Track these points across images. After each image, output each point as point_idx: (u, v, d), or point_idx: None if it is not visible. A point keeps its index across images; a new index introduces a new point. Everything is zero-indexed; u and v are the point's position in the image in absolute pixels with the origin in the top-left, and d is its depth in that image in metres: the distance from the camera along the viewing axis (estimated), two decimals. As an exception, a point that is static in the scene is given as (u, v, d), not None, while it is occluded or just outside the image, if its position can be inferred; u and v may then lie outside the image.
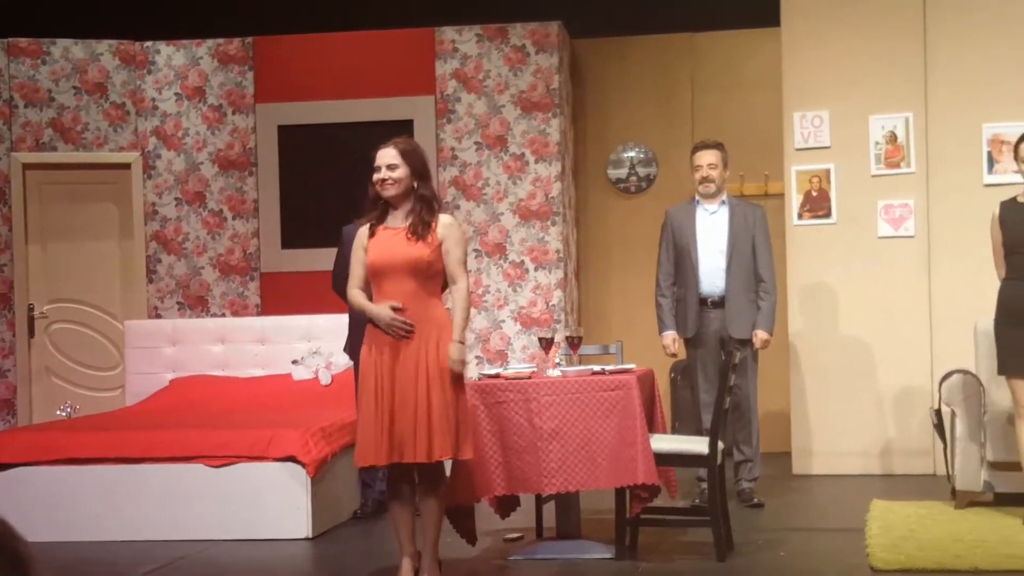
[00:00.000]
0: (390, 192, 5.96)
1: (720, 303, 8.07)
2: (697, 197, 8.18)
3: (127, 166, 10.54)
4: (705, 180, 8.09)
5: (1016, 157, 7.19)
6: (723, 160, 8.15)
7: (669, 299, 8.18)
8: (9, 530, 2.15)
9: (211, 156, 10.54)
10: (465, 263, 6.09)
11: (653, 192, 10.79)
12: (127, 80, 10.53)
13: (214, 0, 10.82)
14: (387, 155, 5.99)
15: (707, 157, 8.10)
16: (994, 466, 7.67)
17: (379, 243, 5.95)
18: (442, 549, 6.81)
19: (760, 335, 8.07)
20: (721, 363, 6.95)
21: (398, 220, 5.98)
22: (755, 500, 8.09)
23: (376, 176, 5.98)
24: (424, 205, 5.98)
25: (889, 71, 9.24)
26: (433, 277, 5.99)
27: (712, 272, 8.08)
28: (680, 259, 8.14)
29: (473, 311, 10.23)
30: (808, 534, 7.27)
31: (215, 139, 10.54)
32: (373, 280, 5.99)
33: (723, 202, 8.16)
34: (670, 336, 8.17)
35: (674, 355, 8.28)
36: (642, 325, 10.55)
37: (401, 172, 5.96)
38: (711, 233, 8.10)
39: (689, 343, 8.19)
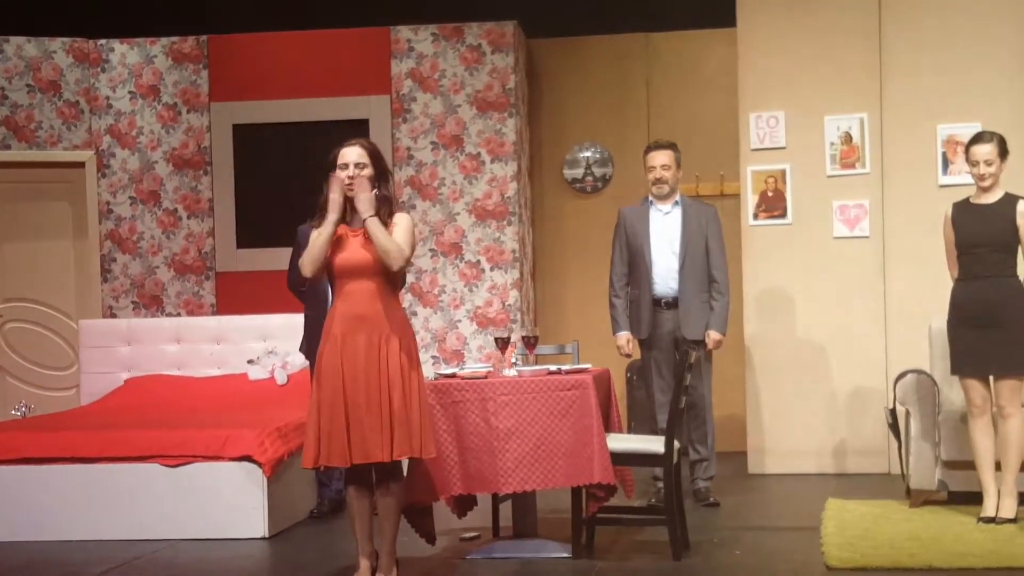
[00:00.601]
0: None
1: (674, 304, 8.05)
2: (651, 198, 8.16)
3: (81, 165, 10.47)
4: (658, 181, 8.06)
5: (967, 159, 7.25)
6: (676, 160, 8.12)
7: (623, 299, 8.17)
8: None
9: (166, 155, 10.48)
10: (410, 245, 5.96)
11: (609, 192, 10.81)
12: (81, 78, 10.46)
13: (168, -2, 10.78)
14: (353, 153, 5.97)
15: (660, 158, 8.06)
16: (948, 465, 7.72)
17: (341, 244, 5.92)
18: (400, 548, 6.80)
19: (712, 335, 8.05)
20: (675, 363, 6.96)
21: (358, 221, 5.95)
22: (711, 499, 8.10)
23: (342, 174, 5.93)
24: (386, 207, 5.96)
25: (844, 72, 9.30)
26: (393, 277, 5.98)
27: (666, 273, 8.05)
28: (634, 260, 8.11)
29: (429, 311, 10.23)
30: (763, 533, 7.30)
31: (170, 138, 10.48)
32: (337, 280, 5.97)
33: (676, 202, 8.13)
34: (624, 336, 8.16)
35: (628, 355, 8.28)
36: (598, 325, 10.56)
37: (369, 171, 5.94)
38: (664, 234, 8.08)
39: (643, 344, 8.18)
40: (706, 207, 8.30)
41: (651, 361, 8.14)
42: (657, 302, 8.07)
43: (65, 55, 10.44)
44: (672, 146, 8.16)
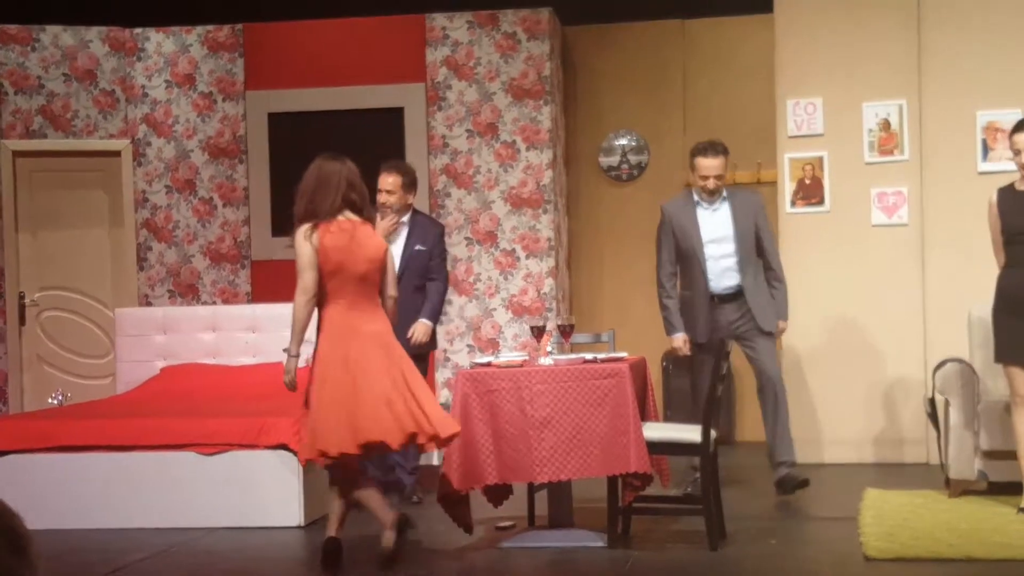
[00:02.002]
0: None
1: (729, 298, 7.88)
2: (696, 196, 7.97)
3: (117, 153, 10.50)
4: (709, 191, 7.86)
5: (1011, 146, 7.17)
6: (726, 164, 7.96)
7: (675, 300, 7.97)
8: (7, 509, 2.13)
9: (201, 144, 10.49)
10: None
11: (645, 180, 10.77)
12: (117, 67, 10.48)
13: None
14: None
15: (712, 166, 7.83)
16: (988, 455, 7.65)
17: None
18: (436, 537, 6.82)
19: (780, 324, 8.01)
20: (715, 352, 6.90)
21: None
22: (799, 479, 7.86)
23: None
24: None
25: (882, 58, 9.22)
26: None
27: (720, 271, 7.87)
28: (686, 260, 7.92)
29: (464, 299, 10.21)
30: (801, 523, 7.26)
31: (205, 126, 10.49)
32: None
33: (723, 197, 7.94)
34: (680, 338, 7.93)
35: (687, 356, 8.08)
36: (634, 313, 10.56)
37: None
38: (715, 231, 7.89)
39: (698, 347, 7.92)
40: (752, 195, 8.17)
41: (706, 364, 7.67)
42: (712, 299, 7.89)
43: (101, 44, 10.46)
44: (724, 151, 7.92)
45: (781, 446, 7.98)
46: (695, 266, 7.88)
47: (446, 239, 10.05)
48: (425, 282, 8.09)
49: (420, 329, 8.04)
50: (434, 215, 10.14)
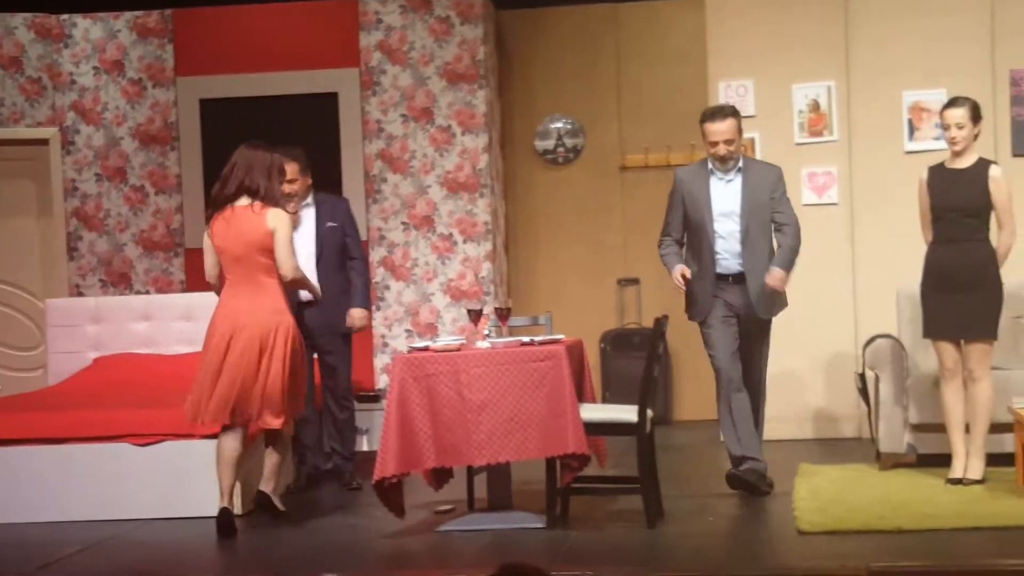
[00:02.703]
0: None
1: (734, 279, 7.31)
2: (710, 164, 7.34)
3: (45, 142, 10.38)
4: (721, 158, 7.22)
5: (942, 120, 7.27)
6: (739, 128, 7.29)
7: (675, 247, 7.43)
8: None
9: (131, 131, 10.40)
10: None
11: (581, 162, 10.80)
12: (43, 54, 10.36)
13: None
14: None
15: (721, 131, 7.21)
16: (917, 428, 7.80)
17: None
18: (374, 523, 6.83)
19: (775, 272, 7.21)
20: (652, 332, 6.93)
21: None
22: (767, 486, 7.32)
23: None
24: None
25: (811, 40, 9.31)
26: None
27: (731, 248, 7.28)
28: (693, 233, 7.36)
29: (402, 284, 10.21)
30: (737, 499, 7.32)
31: (135, 113, 10.40)
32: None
33: (738, 168, 7.31)
34: (678, 270, 7.29)
35: (684, 288, 7.36)
36: (571, 296, 10.60)
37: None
38: (727, 203, 7.28)
39: (703, 322, 7.41)
40: (770, 168, 7.52)
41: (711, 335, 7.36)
42: (722, 278, 7.30)
43: (27, 31, 10.33)
44: (733, 113, 7.30)
45: (755, 444, 7.36)
46: (703, 240, 7.29)
47: (383, 224, 10.09)
48: (345, 259, 8.14)
49: (356, 315, 8.10)
50: (370, 200, 10.13)
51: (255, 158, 7.07)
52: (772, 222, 7.34)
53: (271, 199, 7.00)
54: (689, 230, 7.41)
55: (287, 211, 7.10)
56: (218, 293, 7.18)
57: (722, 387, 7.32)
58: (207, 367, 6.96)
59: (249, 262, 6.95)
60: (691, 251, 7.41)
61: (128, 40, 10.38)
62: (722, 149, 7.20)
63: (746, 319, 7.36)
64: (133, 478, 7.43)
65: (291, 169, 7.96)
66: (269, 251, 6.93)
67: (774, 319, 7.54)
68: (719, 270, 7.28)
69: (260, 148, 7.14)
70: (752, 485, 7.20)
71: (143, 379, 8.95)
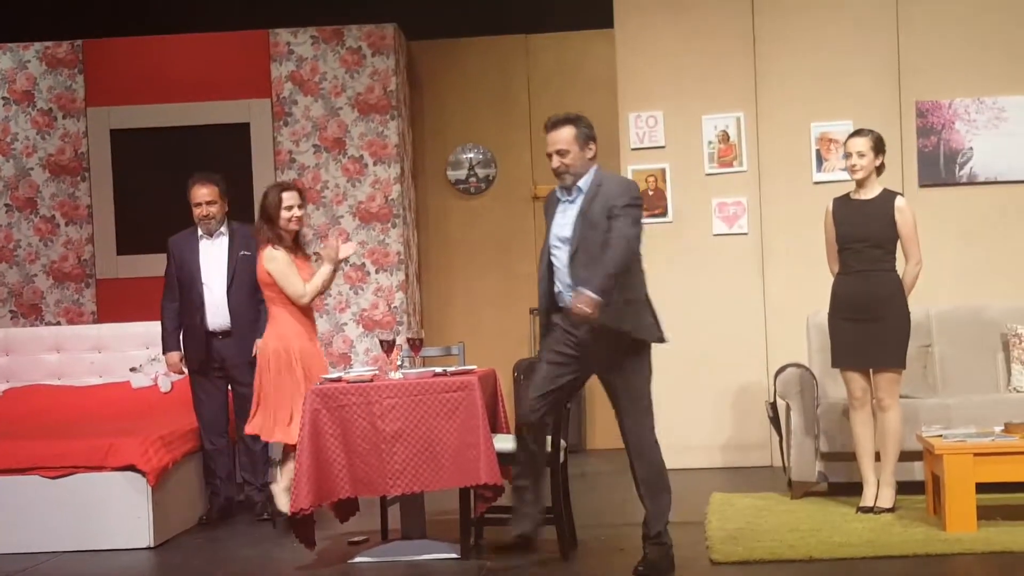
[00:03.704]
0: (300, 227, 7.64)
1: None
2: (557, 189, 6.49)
3: (-46, 172, 10.27)
4: (554, 170, 6.35)
5: (845, 149, 7.40)
6: (576, 138, 6.35)
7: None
8: None
9: (41, 161, 10.31)
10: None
11: (493, 192, 10.86)
12: (-48, 84, 10.25)
13: (41, 1, 10.59)
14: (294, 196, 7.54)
15: (554, 141, 6.33)
16: (828, 457, 7.88)
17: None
18: (287, 554, 6.82)
19: (579, 295, 6.07)
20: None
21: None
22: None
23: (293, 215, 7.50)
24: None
25: (720, 72, 9.44)
26: None
27: (563, 279, 6.32)
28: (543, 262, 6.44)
29: (315, 315, 10.18)
30: (650, 529, 7.36)
31: (45, 144, 10.31)
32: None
33: (579, 188, 6.33)
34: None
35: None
36: (485, 325, 10.65)
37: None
38: (563, 228, 6.36)
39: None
40: (622, 184, 6.50)
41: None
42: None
43: (-64, 61, 10.23)
44: (572, 121, 6.40)
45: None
46: (550, 271, 6.40)
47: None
48: (257, 289, 8.12)
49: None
50: (282, 231, 10.10)
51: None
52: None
53: (263, 238, 7.50)
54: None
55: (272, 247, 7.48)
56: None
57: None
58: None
59: (266, 296, 7.60)
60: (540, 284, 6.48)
61: (38, 71, 10.30)
62: (554, 161, 6.30)
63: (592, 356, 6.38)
64: (44, 511, 7.35)
65: (211, 191, 8.02)
66: (269, 286, 7.51)
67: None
68: (560, 303, 6.32)
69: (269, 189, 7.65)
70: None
71: (55, 410, 8.87)
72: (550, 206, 6.47)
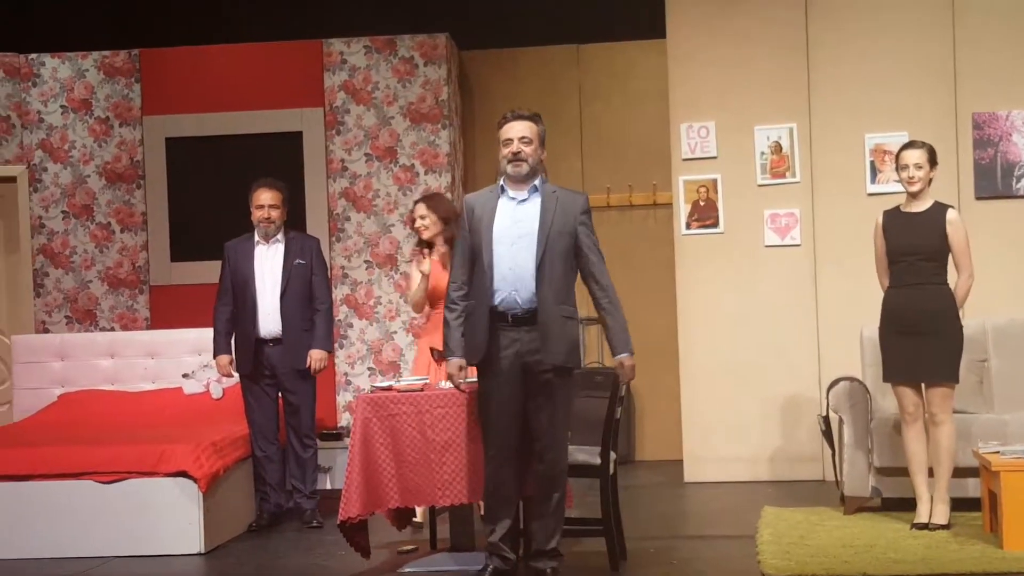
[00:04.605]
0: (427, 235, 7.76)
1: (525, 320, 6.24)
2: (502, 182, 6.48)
3: (12, 179, 10.37)
4: (517, 157, 6.37)
5: (897, 165, 7.35)
6: (539, 134, 6.43)
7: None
8: None
9: (98, 169, 10.40)
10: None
11: (543, 202, 10.84)
12: (12, 93, 10.36)
13: (99, 12, 10.69)
14: (419, 208, 7.81)
15: (521, 129, 6.39)
16: (881, 472, 7.80)
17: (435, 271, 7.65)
18: (336, 562, 6.83)
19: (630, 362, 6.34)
20: (614, 373, 6.92)
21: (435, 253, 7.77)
22: None
23: (416, 225, 7.81)
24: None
25: (773, 82, 9.39)
26: None
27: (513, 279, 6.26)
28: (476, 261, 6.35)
29: (364, 322, 10.23)
30: (700, 542, 7.36)
31: (102, 152, 10.40)
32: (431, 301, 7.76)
33: (533, 188, 6.38)
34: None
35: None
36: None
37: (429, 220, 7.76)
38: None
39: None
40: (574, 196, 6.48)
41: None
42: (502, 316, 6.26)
43: (-6, 69, 10.35)
44: (535, 118, 6.46)
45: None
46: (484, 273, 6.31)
47: (347, 262, 10.12)
48: (310, 297, 8.22)
49: (316, 357, 8.17)
50: (333, 238, 10.16)
51: None
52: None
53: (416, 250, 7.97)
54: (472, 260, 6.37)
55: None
56: None
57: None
58: None
59: None
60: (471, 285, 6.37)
61: (96, 79, 10.40)
62: (515, 146, 6.33)
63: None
64: (96, 516, 7.41)
65: (274, 196, 8.12)
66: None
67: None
68: (501, 305, 6.25)
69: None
70: None
71: (108, 416, 8.95)
72: (483, 204, 6.35)
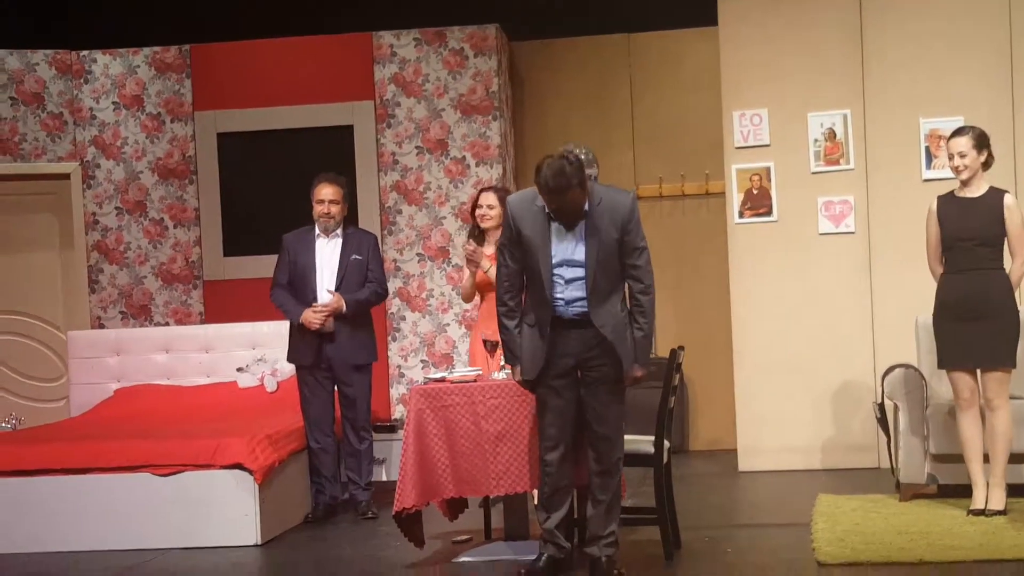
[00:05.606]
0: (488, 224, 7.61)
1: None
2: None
3: (66, 176, 10.46)
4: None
5: (947, 149, 7.29)
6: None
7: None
8: None
9: (150, 165, 10.47)
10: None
11: (595, 193, 10.81)
12: (64, 90, 10.45)
13: (150, 9, 10.76)
14: (488, 197, 7.64)
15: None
16: (937, 458, 7.75)
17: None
18: (391, 552, 6.85)
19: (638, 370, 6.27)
20: (667, 363, 6.94)
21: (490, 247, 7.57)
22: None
23: (479, 212, 7.63)
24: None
25: (826, 68, 9.33)
26: None
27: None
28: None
29: (417, 315, 10.25)
30: (754, 530, 7.33)
31: (154, 148, 10.47)
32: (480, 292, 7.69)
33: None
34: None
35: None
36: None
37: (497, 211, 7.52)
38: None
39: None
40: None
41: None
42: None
43: (48, 67, 10.43)
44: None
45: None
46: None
47: (399, 255, 10.14)
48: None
49: (332, 298, 8.11)
50: (385, 232, 10.18)
51: None
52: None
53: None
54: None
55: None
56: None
57: None
58: None
59: None
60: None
61: (147, 75, 10.47)
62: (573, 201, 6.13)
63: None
64: (154, 508, 7.46)
65: (334, 191, 8.14)
66: None
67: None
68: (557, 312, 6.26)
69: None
70: None
71: (164, 410, 9.02)
72: (531, 226, 6.18)
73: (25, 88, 10.39)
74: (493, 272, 7.24)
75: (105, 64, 10.49)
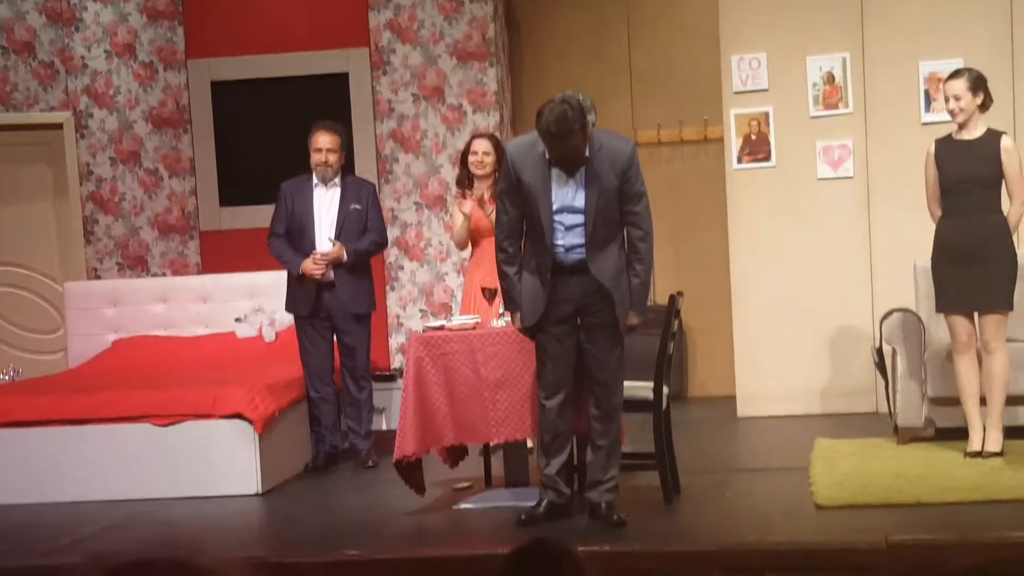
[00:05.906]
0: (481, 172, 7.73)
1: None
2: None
3: (59, 126, 10.40)
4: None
5: (944, 92, 7.27)
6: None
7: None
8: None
9: (144, 114, 10.41)
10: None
11: (592, 139, 10.77)
12: (55, 38, 10.37)
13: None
14: (483, 144, 7.74)
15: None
16: (935, 402, 7.77)
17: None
18: (392, 500, 6.87)
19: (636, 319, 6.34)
20: (666, 309, 6.94)
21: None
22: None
23: (473, 159, 7.72)
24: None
25: (825, 12, 9.26)
26: None
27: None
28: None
29: (415, 264, 10.23)
30: (753, 475, 7.35)
31: (147, 97, 10.40)
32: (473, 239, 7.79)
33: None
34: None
35: None
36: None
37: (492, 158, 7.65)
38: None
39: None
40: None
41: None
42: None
43: (38, 15, 10.34)
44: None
45: None
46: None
47: (396, 204, 10.10)
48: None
49: (333, 246, 8.09)
50: (382, 180, 10.13)
51: None
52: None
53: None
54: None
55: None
56: None
57: None
58: None
59: None
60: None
61: (139, 23, 10.38)
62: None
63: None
64: (154, 458, 7.48)
65: (332, 140, 8.10)
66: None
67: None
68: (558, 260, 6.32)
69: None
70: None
71: (162, 360, 9.02)
72: (531, 172, 6.14)
73: (16, 37, 10.30)
74: (483, 216, 7.27)
75: (96, 12, 10.39)
